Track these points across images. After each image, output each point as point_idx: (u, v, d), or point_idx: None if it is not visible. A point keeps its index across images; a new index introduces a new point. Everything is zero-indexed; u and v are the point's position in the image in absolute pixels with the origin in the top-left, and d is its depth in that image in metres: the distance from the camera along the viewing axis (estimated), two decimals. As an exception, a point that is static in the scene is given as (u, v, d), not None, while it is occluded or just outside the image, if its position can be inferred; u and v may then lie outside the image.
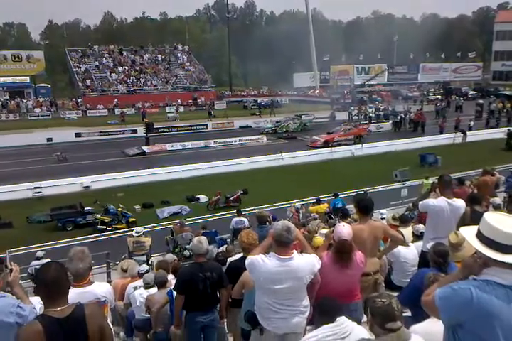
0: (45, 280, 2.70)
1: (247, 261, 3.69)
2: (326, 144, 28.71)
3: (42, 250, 11.26)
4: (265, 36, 58.62)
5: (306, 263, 3.61)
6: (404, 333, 2.63)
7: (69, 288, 2.88)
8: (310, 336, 2.92)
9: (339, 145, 28.86)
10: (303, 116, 36.94)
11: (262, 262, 3.55)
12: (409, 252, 6.04)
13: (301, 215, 12.29)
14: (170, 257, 8.91)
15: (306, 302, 3.70)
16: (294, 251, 3.63)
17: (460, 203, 5.23)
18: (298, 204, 13.17)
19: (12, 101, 46.03)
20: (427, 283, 3.14)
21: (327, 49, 60.96)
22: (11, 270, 3.45)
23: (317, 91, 56.29)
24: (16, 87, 49.25)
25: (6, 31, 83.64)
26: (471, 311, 2.16)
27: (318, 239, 6.85)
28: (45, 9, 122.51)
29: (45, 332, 2.59)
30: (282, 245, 3.55)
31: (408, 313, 3.75)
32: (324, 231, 7.26)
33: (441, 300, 2.24)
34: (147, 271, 6.86)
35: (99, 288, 3.84)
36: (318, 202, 13.93)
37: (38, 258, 9.86)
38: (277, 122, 36.21)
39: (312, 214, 12.16)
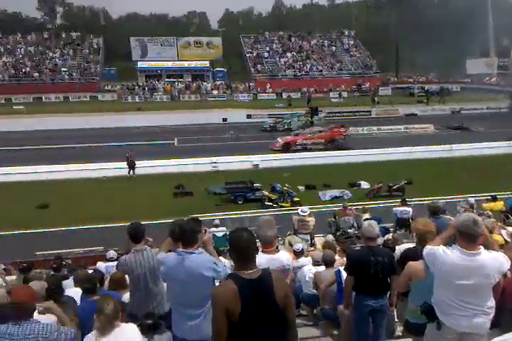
0: (238, 245, 2.91)
1: (426, 251, 3.52)
2: (286, 148, 25.23)
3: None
4: (435, 18, 53.96)
5: (495, 260, 3.36)
6: None
7: (257, 254, 3.13)
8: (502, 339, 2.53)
9: (305, 149, 25.25)
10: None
11: (443, 253, 3.38)
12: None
13: (475, 212, 11.40)
14: (330, 238, 9.24)
15: (492, 303, 3.43)
16: (481, 247, 3.39)
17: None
18: (472, 200, 12.22)
19: (194, 84, 51.17)
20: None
21: (507, 31, 53.72)
22: (205, 231, 3.91)
23: (494, 79, 50.72)
24: (197, 71, 54.68)
25: (189, 19, 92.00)
26: None
27: (498, 237, 6.40)
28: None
29: (240, 290, 2.78)
30: (469, 238, 3.33)
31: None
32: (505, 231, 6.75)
33: None
34: (301, 251, 7.06)
35: (285, 256, 4.22)
36: (494, 199, 12.72)
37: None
38: (279, 119, 33.22)
39: (485, 212, 11.19)
